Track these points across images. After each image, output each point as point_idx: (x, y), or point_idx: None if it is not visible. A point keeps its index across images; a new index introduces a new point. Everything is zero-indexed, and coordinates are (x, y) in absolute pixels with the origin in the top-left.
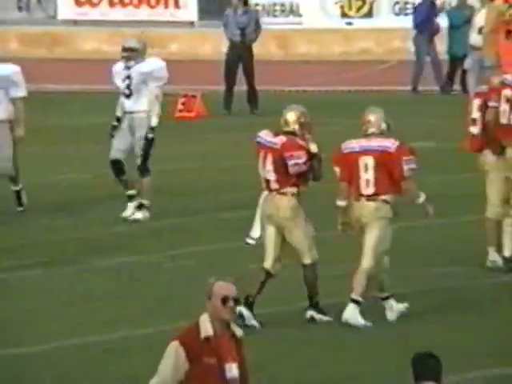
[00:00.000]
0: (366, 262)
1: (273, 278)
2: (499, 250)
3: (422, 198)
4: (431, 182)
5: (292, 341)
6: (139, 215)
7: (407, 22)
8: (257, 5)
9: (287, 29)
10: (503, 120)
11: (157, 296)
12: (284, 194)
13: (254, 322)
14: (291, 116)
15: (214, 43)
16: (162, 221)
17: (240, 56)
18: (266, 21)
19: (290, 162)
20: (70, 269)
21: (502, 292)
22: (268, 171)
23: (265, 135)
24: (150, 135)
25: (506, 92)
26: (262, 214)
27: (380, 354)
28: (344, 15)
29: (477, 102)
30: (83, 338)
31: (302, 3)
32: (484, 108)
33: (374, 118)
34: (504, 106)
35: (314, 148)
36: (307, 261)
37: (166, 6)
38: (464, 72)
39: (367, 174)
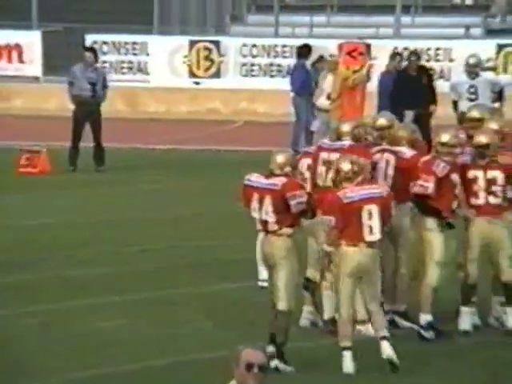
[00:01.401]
0: (376, 304)
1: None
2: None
3: None
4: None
5: None
6: None
7: (253, 83)
8: (104, 62)
9: (135, 86)
10: (320, 182)
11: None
12: (280, 235)
13: (289, 369)
14: (283, 159)
15: (60, 99)
16: (3, 278)
17: (90, 112)
18: (113, 78)
19: (293, 202)
20: None
21: (322, 354)
22: (266, 213)
23: (257, 178)
24: None
25: (323, 155)
26: (261, 255)
27: None
28: (192, 75)
29: (307, 162)
30: None
31: (150, 61)
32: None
33: (356, 167)
34: (320, 168)
35: (306, 187)
36: (283, 307)
37: (10, 60)
38: (312, 133)
39: (370, 221)
